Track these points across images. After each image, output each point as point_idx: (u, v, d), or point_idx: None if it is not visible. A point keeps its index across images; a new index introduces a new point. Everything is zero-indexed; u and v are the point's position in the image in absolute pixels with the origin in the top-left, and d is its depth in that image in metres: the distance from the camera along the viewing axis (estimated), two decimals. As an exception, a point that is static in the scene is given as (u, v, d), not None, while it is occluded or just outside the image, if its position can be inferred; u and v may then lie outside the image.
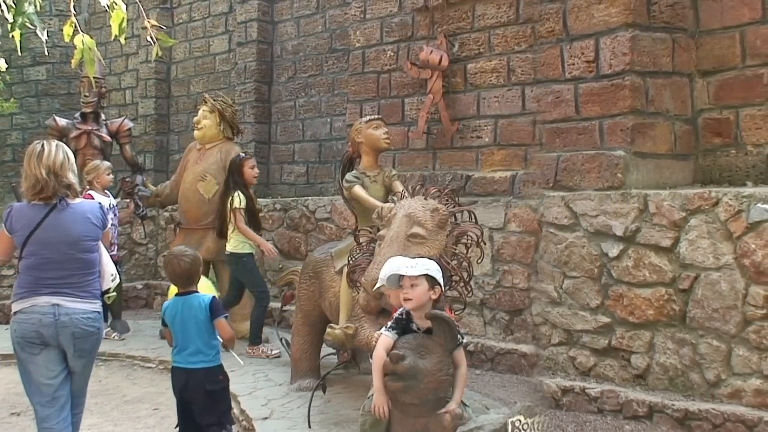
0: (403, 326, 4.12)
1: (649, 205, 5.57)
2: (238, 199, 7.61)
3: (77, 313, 4.27)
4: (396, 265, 4.21)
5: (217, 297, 4.84)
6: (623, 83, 5.96)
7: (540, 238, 6.35)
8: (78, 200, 4.44)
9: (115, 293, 4.86)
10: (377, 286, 4.40)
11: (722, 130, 6.10)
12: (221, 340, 4.68)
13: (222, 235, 7.96)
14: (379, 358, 4.01)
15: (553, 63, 6.45)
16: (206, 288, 5.11)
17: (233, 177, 7.83)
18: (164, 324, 4.77)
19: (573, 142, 6.29)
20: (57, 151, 4.32)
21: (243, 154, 8.00)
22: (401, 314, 4.16)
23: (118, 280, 4.77)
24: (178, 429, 4.78)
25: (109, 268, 4.60)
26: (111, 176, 8.48)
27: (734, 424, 4.89)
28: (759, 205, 4.95)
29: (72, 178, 4.35)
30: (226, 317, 4.73)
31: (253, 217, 7.82)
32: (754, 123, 5.94)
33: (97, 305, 4.41)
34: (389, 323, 4.18)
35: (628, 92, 5.92)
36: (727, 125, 6.07)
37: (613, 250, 5.76)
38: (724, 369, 5.17)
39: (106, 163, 8.54)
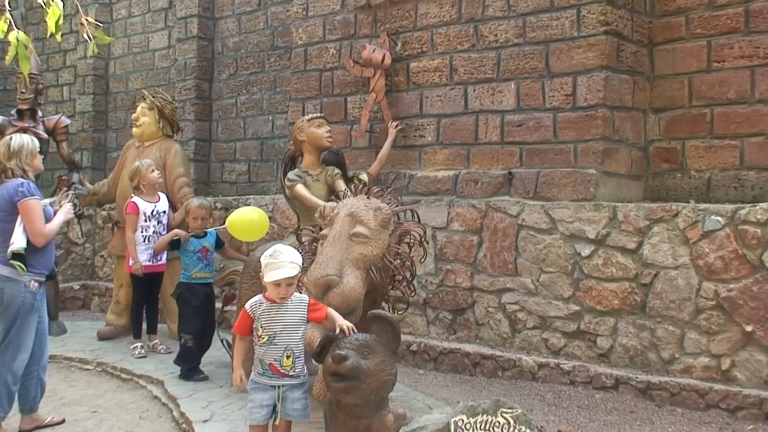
0: None
1: (617, 214, 6.37)
2: None
3: None
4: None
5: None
6: (596, 114, 6.70)
7: (518, 239, 6.94)
8: (9, 181, 5.28)
9: (20, 263, 5.14)
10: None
11: (670, 157, 7.08)
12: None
13: None
14: None
15: (535, 94, 7.08)
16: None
17: None
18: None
19: (550, 161, 6.96)
20: (3, 143, 5.35)
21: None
22: None
23: (17, 246, 5.12)
24: None
25: (13, 237, 5.14)
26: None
27: (689, 393, 5.77)
28: (713, 216, 5.88)
29: (10, 164, 5.28)
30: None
31: None
32: (697, 152, 6.90)
33: (4, 269, 5.15)
34: None
35: (600, 122, 6.68)
36: (674, 153, 7.05)
37: (586, 250, 6.53)
38: (677, 349, 6.04)
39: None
